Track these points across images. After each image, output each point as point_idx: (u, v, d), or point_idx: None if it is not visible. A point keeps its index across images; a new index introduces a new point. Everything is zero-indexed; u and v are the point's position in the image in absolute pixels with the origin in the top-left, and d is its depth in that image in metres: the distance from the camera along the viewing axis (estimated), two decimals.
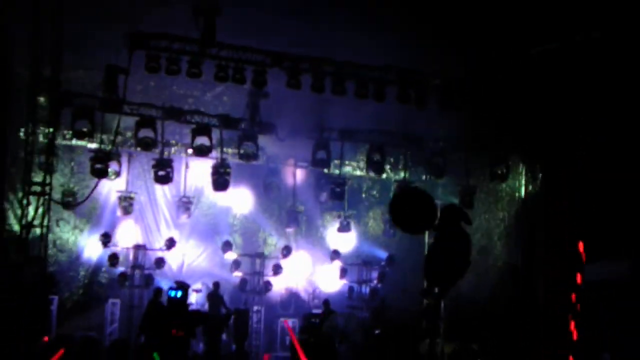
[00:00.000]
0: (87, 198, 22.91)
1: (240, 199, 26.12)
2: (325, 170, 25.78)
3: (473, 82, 23.06)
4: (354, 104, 23.19)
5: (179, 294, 20.68)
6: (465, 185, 25.49)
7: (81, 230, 24.04)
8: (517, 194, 25.24)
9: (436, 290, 12.65)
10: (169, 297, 20.73)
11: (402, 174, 26.43)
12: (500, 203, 25.77)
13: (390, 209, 12.60)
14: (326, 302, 23.59)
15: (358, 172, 26.87)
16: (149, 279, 24.03)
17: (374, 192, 27.87)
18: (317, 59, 22.15)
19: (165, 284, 23.44)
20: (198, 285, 24.34)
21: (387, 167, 26.30)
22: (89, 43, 20.36)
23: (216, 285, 23.53)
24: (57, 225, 23.29)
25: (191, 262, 25.51)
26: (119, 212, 24.08)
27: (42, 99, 20.59)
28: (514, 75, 22.22)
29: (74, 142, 23.15)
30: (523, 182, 24.87)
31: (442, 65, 22.53)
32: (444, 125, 24.24)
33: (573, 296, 20.75)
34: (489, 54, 21.69)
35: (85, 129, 22.09)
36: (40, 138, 21.09)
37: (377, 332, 22.92)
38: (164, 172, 23.47)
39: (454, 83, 23.11)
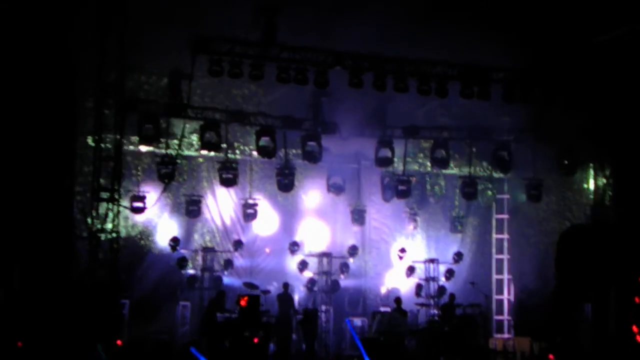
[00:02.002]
0: (155, 203, 23.19)
1: (305, 199, 26.24)
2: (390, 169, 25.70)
3: (537, 73, 22.77)
4: (416, 100, 23.13)
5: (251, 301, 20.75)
6: (532, 178, 25.27)
7: (150, 234, 24.28)
8: (585, 186, 24.93)
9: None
10: (241, 307, 20.79)
11: (467, 169, 26.22)
12: (569, 196, 25.49)
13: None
14: (398, 300, 23.40)
15: (422, 169, 26.75)
16: (218, 281, 24.20)
17: (439, 188, 27.62)
18: (378, 56, 22.08)
19: (234, 286, 23.70)
20: (267, 287, 24.37)
21: (452, 162, 26.03)
22: (153, 47, 20.59)
23: (285, 286, 23.56)
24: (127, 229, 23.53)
25: (259, 263, 25.62)
26: (186, 215, 24.33)
27: (107, 106, 20.85)
28: (580, 65, 21.91)
29: (141, 147, 23.41)
30: (591, 173, 24.55)
31: (505, 58, 22.30)
32: (508, 117, 24.03)
33: None
34: (551, 44, 21.41)
35: (150, 134, 22.37)
36: (107, 145, 21.39)
37: (446, 329, 22.78)
38: (229, 175, 23.69)
39: (517, 75, 22.86)
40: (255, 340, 20.10)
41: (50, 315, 17.26)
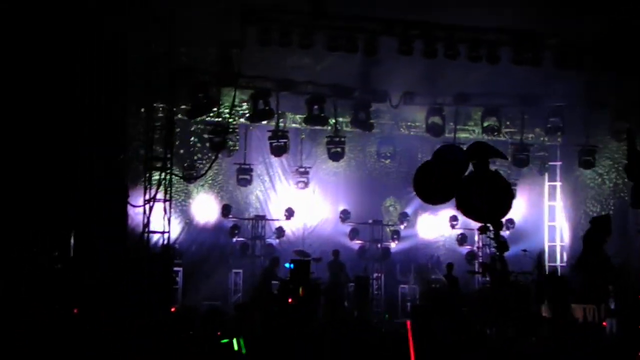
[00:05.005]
0: (207, 171, 23.36)
1: (356, 167, 26.28)
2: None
3: (591, 39, 22.38)
4: (467, 67, 22.92)
5: (298, 266, 20.77)
6: (584, 145, 24.99)
7: (202, 203, 24.54)
8: None
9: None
10: (290, 270, 20.92)
11: (518, 136, 26.03)
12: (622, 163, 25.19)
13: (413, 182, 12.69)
14: (449, 266, 23.31)
15: (473, 136, 26.57)
16: (269, 249, 24.42)
17: None
18: (428, 24, 21.87)
19: (285, 254, 23.86)
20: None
21: (504, 129, 25.83)
22: (204, 16, 20.63)
23: (336, 253, 23.62)
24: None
25: (311, 231, 25.75)
26: (238, 184, 24.53)
27: (159, 75, 20.98)
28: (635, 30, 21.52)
29: (192, 117, 23.57)
30: None
31: (557, 24, 21.96)
32: (561, 83, 23.71)
33: None
34: (606, 9, 21.03)
35: (202, 104, 22.53)
36: (159, 114, 21.62)
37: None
38: (279, 143, 23.83)
39: (571, 41, 22.49)
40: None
41: (106, 284, 17.53)
